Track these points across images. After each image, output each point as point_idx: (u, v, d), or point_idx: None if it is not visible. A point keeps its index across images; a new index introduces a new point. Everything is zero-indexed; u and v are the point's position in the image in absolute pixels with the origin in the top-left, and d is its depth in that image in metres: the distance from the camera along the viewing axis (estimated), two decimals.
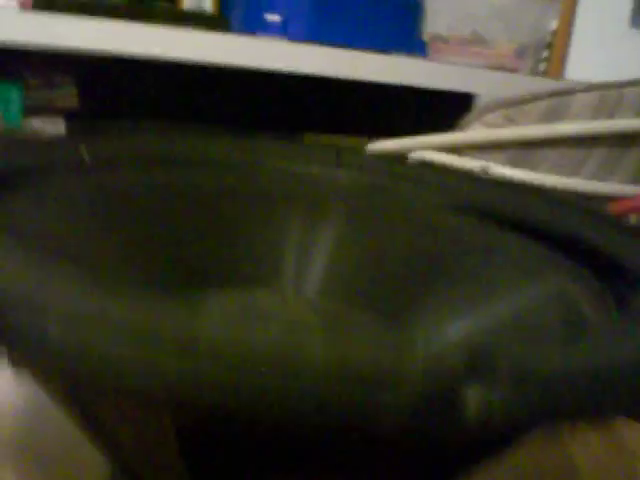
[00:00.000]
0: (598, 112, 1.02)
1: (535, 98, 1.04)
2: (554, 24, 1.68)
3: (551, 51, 2.09)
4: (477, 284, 0.39)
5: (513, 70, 1.43)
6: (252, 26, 1.18)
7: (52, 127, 1.17)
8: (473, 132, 1.05)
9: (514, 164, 1.05)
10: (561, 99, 1.03)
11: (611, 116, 1.03)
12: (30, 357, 0.20)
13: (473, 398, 0.19)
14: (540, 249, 0.39)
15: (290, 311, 0.38)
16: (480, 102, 1.62)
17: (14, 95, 1.12)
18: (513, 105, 1.04)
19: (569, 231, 0.40)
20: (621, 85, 1.00)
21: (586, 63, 2.09)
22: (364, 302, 0.41)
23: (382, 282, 0.42)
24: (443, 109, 1.45)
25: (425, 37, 1.32)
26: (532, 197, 0.44)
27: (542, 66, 1.82)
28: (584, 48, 2.10)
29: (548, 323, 0.34)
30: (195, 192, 0.44)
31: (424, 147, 1.07)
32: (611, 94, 1.01)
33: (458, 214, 0.44)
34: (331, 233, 0.44)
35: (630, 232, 0.40)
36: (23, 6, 1.05)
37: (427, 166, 0.50)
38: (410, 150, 1.07)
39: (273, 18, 1.15)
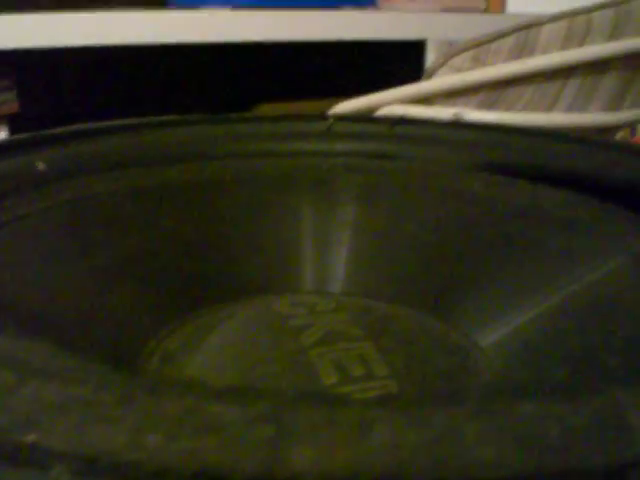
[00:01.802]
0: (568, 41, 0.97)
1: (500, 35, 0.99)
2: None
3: None
4: (532, 259, 0.33)
5: (465, 10, 1.38)
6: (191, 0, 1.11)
7: None
8: (441, 79, 0.99)
9: (488, 107, 1.00)
10: (528, 32, 0.98)
11: (581, 44, 0.98)
12: None
13: None
14: (594, 203, 0.34)
15: (326, 324, 0.32)
16: (432, 47, 1.57)
17: None
18: (479, 45, 0.98)
19: (622, 177, 0.35)
20: (589, 10, 0.95)
21: None
22: (396, 295, 0.35)
23: (412, 268, 0.36)
24: (399, 60, 1.40)
25: None
26: (566, 143, 0.39)
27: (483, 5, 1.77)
28: None
29: (631, 294, 0.29)
30: (182, 192, 0.38)
31: (391, 101, 1.01)
32: (579, 21, 0.96)
33: (484, 174, 0.39)
34: (345, 219, 0.38)
35: None
36: None
37: (427, 122, 0.44)
38: (377, 106, 1.02)
39: None
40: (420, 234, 0.38)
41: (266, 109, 1.35)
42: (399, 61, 1.41)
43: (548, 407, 0.13)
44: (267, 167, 0.41)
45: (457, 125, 0.43)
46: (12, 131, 1.11)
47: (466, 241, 0.37)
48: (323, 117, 0.44)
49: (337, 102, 1.03)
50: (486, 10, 1.98)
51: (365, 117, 0.48)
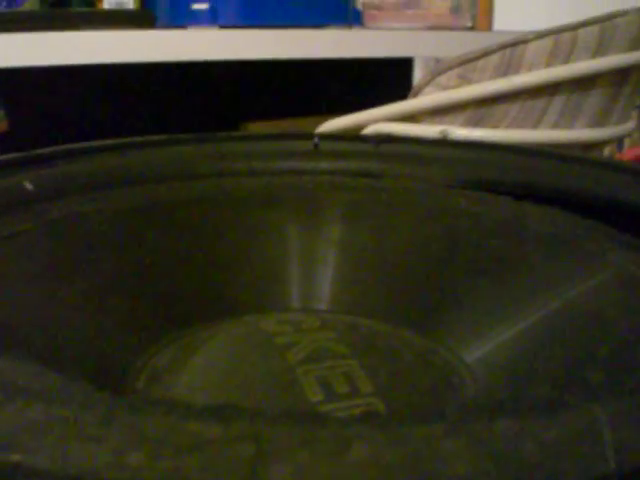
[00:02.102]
0: (553, 58, 0.98)
1: (486, 53, 0.99)
2: None
3: (477, 5, 2.06)
4: (516, 276, 0.34)
5: (451, 28, 1.39)
6: (180, 18, 1.11)
7: None
8: (427, 97, 1.00)
9: (474, 124, 1.01)
10: (513, 50, 0.98)
11: (566, 60, 0.99)
12: None
13: None
14: (576, 220, 0.34)
15: (312, 342, 0.32)
16: (420, 65, 1.58)
17: None
18: (465, 63, 0.99)
19: (606, 194, 0.36)
20: (574, 27, 0.96)
21: (511, 13, 2.07)
22: (382, 312, 0.35)
23: (397, 285, 0.36)
24: (386, 77, 1.41)
25: (359, 6, 1.26)
26: (548, 160, 0.39)
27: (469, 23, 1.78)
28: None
29: (614, 307, 0.29)
30: (169, 211, 0.38)
31: (378, 119, 1.02)
32: (564, 38, 0.97)
33: (468, 191, 0.39)
34: (331, 237, 0.38)
35: None
36: None
37: (412, 140, 0.45)
38: (364, 124, 1.02)
39: (200, 7, 1.09)
40: (405, 251, 0.38)
41: (254, 127, 1.36)
42: (387, 79, 1.42)
43: (524, 423, 0.13)
44: (253, 185, 0.42)
45: (442, 143, 0.44)
46: (1, 149, 1.11)
47: (451, 258, 0.37)
48: (309, 136, 0.45)
49: (325, 120, 1.04)
50: (473, 27, 1.99)
51: (351, 136, 0.48)
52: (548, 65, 0.98)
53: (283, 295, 0.37)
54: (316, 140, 0.45)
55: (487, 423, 0.13)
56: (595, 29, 0.98)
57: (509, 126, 1.01)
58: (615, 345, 0.28)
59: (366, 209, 0.40)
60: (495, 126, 1.01)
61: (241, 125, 1.39)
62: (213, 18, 1.09)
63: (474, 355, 0.32)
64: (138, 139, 0.44)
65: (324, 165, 0.43)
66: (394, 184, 0.41)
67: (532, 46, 0.98)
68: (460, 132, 1.00)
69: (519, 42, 0.97)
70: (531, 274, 0.34)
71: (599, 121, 1.05)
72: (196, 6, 1.10)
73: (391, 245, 0.38)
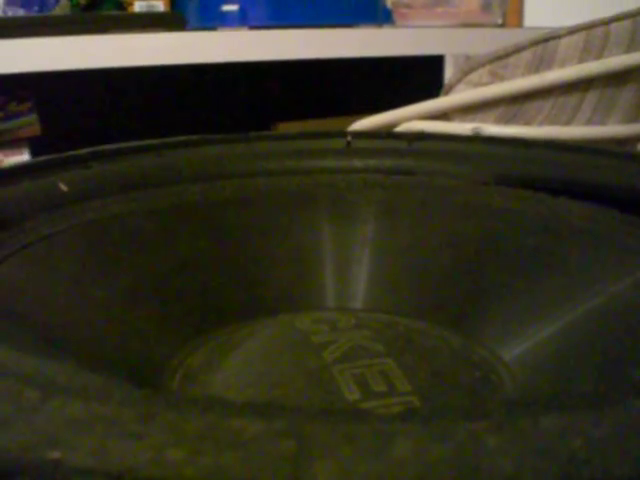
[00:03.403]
0: (586, 54, 0.97)
1: (517, 49, 0.99)
2: None
3: (508, 2, 2.05)
4: (554, 273, 0.33)
5: (482, 25, 1.38)
6: (210, 20, 1.12)
7: (17, 158, 1.11)
8: (459, 94, 1.00)
9: (507, 121, 1.00)
10: (545, 46, 0.97)
11: (599, 56, 0.98)
12: None
13: None
14: (616, 216, 0.34)
15: (348, 340, 0.32)
16: (450, 62, 1.57)
17: None
18: (496, 60, 0.98)
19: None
20: (606, 22, 0.94)
21: (542, 9, 2.05)
22: (418, 311, 0.35)
23: (434, 283, 0.36)
24: (417, 76, 1.40)
25: (389, 5, 1.26)
26: (585, 155, 0.39)
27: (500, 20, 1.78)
28: None
29: None
30: (203, 211, 0.38)
31: (410, 118, 1.02)
32: (596, 33, 0.96)
33: (504, 188, 0.39)
34: (365, 235, 0.38)
35: None
36: None
37: (445, 137, 0.44)
38: (396, 123, 1.02)
39: (230, 8, 1.09)
40: (440, 249, 0.38)
41: (285, 127, 1.36)
42: (418, 77, 1.41)
43: (570, 419, 0.13)
44: (287, 185, 0.42)
45: (476, 139, 0.43)
46: (34, 153, 1.12)
47: (487, 255, 0.37)
48: (341, 134, 0.44)
49: (356, 119, 1.04)
50: (503, 24, 1.98)
51: (383, 133, 0.48)
52: (581, 61, 0.97)
53: (318, 294, 0.37)
54: (349, 138, 0.45)
55: (532, 419, 0.13)
56: (628, 23, 0.97)
57: (542, 123, 1.00)
58: None
59: (400, 207, 0.40)
60: (528, 123, 1.00)
61: (272, 125, 1.39)
62: (243, 19, 1.10)
63: (512, 353, 0.32)
64: (172, 140, 0.45)
65: (357, 163, 0.43)
66: (428, 182, 0.41)
67: (564, 42, 0.97)
68: (492, 129, 0.99)
69: (551, 38, 0.96)
70: (568, 271, 0.34)
71: (633, 116, 1.04)
72: (226, 7, 1.10)
73: (426, 243, 0.38)
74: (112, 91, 1.34)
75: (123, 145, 0.43)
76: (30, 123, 1.13)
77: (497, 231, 0.37)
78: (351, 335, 0.32)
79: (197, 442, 0.13)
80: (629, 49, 0.99)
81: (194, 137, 0.45)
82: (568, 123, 1.01)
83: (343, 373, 0.29)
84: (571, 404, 0.14)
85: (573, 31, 0.98)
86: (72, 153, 0.41)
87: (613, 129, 1.04)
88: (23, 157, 1.11)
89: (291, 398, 0.28)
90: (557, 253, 0.35)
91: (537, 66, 0.98)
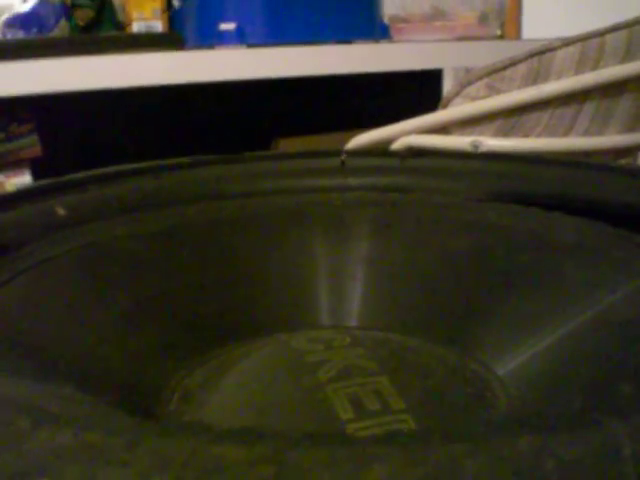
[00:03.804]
0: (582, 65, 0.97)
1: (513, 62, 0.99)
2: None
3: (505, 13, 2.06)
4: (547, 287, 0.34)
5: (480, 38, 1.38)
6: (208, 39, 1.12)
7: (19, 179, 1.11)
8: (457, 108, 1.00)
9: (505, 134, 1.00)
10: (541, 58, 0.98)
11: (595, 67, 0.98)
12: None
13: None
14: (607, 230, 0.34)
15: (343, 359, 0.32)
16: (450, 76, 1.57)
17: None
18: (493, 73, 0.99)
19: (631, 202, 0.35)
20: (601, 33, 0.95)
21: (540, 20, 2.06)
22: (413, 327, 0.35)
23: (428, 300, 0.36)
24: (416, 89, 1.41)
25: (385, 20, 1.27)
26: (577, 170, 0.39)
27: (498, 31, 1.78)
28: (536, 5, 2.08)
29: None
30: (200, 232, 0.38)
31: (408, 132, 1.02)
32: (592, 44, 0.96)
33: (498, 204, 0.39)
34: (360, 253, 0.38)
35: None
36: None
37: (438, 154, 0.45)
38: (395, 137, 1.02)
39: (228, 27, 1.10)
40: (435, 265, 0.38)
41: (286, 143, 1.37)
42: (417, 91, 1.42)
43: (546, 441, 0.13)
44: (283, 204, 0.42)
45: (469, 156, 0.44)
46: (35, 173, 1.13)
47: (481, 271, 0.37)
48: (336, 153, 0.45)
49: (356, 134, 1.04)
50: (502, 36, 1.99)
51: (377, 151, 0.49)
52: (577, 72, 0.97)
53: (314, 312, 0.37)
54: (343, 157, 0.45)
55: (510, 440, 0.13)
56: (623, 34, 0.98)
57: (540, 135, 1.00)
58: None
59: (395, 224, 0.40)
60: (526, 135, 1.01)
61: (273, 142, 1.39)
62: (241, 38, 1.11)
63: (506, 368, 0.32)
64: (169, 161, 0.45)
65: (352, 182, 0.44)
66: (422, 199, 0.42)
67: (560, 54, 0.97)
68: (491, 142, 0.99)
69: (546, 50, 0.97)
70: (561, 285, 0.34)
71: (631, 126, 1.04)
72: (224, 26, 1.11)
73: (420, 260, 0.38)
74: (112, 111, 1.34)
75: (121, 168, 0.43)
76: (31, 144, 1.14)
77: (491, 247, 0.38)
78: (346, 354, 0.33)
79: (180, 469, 0.13)
80: (625, 60, 1.00)
81: (191, 158, 0.46)
82: (566, 134, 1.02)
83: (337, 392, 0.29)
84: (547, 425, 0.14)
85: (568, 43, 0.98)
86: (70, 177, 0.41)
87: (611, 139, 1.04)
88: (25, 178, 1.12)
89: (285, 419, 0.28)
90: (549, 268, 0.35)
91: (534, 78, 0.98)
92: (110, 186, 0.41)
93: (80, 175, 0.41)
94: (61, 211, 0.38)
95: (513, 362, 0.32)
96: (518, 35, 2.14)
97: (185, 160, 0.45)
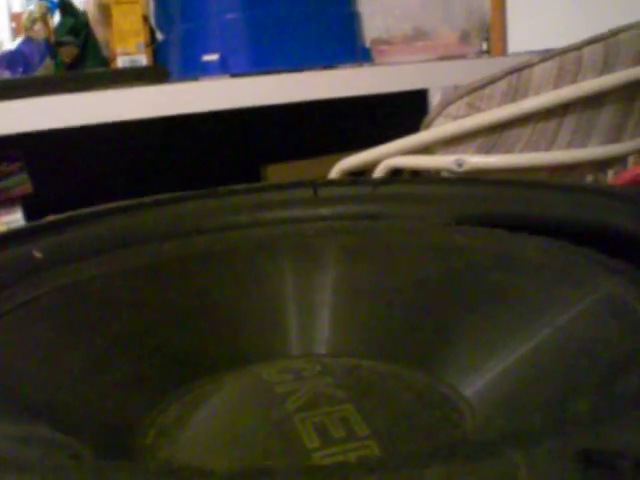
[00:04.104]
0: (560, 79, 0.99)
1: (492, 80, 1.01)
2: (489, 2, 1.65)
3: (489, 29, 2.08)
4: (510, 307, 0.35)
5: (462, 56, 1.40)
6: (192, 71, 1.14)
7: (10, 217, 1.13)
8: (439, 128, 1.01)
9: (488, 151, 1.02)
10: (519, 74, 0.99)
11: (574, 80, 1.00)
12: None
13: None
14: (569, 249, 0.35)
15: (311, 389, 0.33)
16: (435, 96, 1.59)
17: None
18: (472, 91, 1.00)
19: (593, 220, 0.36)
20: (578, 47, 0.96)
21: (526, 34, 2.08)
22: (382, 352, 0.36)
23: (396, 324, 0.37)
24: (403, 110, 1.42)
25: (367, 43, 1.28)
26: (539, 191, 0.40)
27: (484, 45, 1.80)
28: (521, 19, 2.10)
29: (601, 336, 0.30)
30: (174, 268, 0.39)
31: (393, 154, 1.04)
32: (570, 59, 0.98)
33: (464, 227, 0.40)
34: (332, 281, 0.39)
35: None
36: None
37: (408, 180, 0.46)
38: (380, 159, 1.04)
39: (211, 58, 1.11)
40: (403, 290, 0.39)
41: (274, 169, 1.38)
42: (403, 112, 1.43)
43: (452, 470, 0.14)
44: (256, 236, 0.43)
45: (437, 181, 0.45)
46: (27, 210, 1.14)
47: (449, 293, 0.38)
48: (308, 183, 0.46)
49: (343, 157, 1.06)
50: (489, 51, 2.01)
51: (348, 180, 0.50)
52: (556, 87, 0.99)
53: (286, 341, 0.38)
54: (315, 187, 0.46)
55: (419, 470, 0.14)
56: (599, 47, 0.99)
57: (523, 150, 1.02)
58: (602, 374, 0.28)
59: (364, 251, 0.41)
60: (509, 151, 1.02)
61: (262, 168, 1.41)
62: (224, 68, 1.12)
63: (472, 389, 0.33)
64: (145, 200, 0.46)
65: (324, 211, 0.45)
66: (392, 225, 0.43)
67: (538, 69, 0.99)
68: (475, 160, 1.01)
69: (525, 67, 0.98)
70: (524, 305, 0.35)
71: (613, 137, 1.06)
72: (207, 57, 1.12)
73: (390, 285, 0.39)
74: (101, 145, 1.36)
75: (97, 208, 0.44)
76: (22, 182, 1.15)
77: (458, 270, 0.39)
78: (314, 383, 0.34)
79: None
80: (603, 72, 1.01)
81: (166, 196, 0.47)
82: (548, 148, 1.03)
83: (304, 422, 0.30)
84: (455, 453, 0.15)
85: (546, 58, 1.00)
86: (47, 220, 0.42)
87: (594, 151, 1.05)
88: (16, 216, 1.13)
89: (254, 452, 0.29)
90: (514, 288, 0.36)
91: (513, 95, 1.00)
92: (86, 227, 0.42)
93: (57, 218, 0.42)
94: (38, 254, 0.39)
95: (479, 383, 0.33)
96: (504, 49, 2.16)
97: (161, 197, 0.46)
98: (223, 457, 0.30)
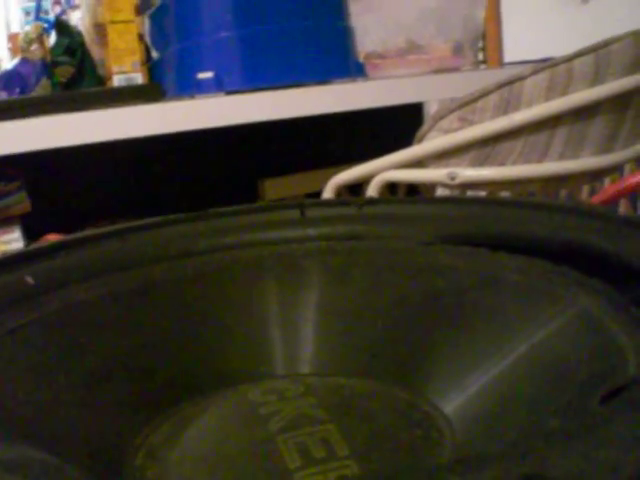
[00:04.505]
0: (551, 92, 1.00)
1: (484, 93, 1.02)
2: (483, 13, 1.67)
3: (485, 40, 2.09)
4: (490, 325, 0.35)
5: (455, 69, 1.41)
6: (187, 89, 1.15)
7: (9, 236, 1.14)
8: (431, 142, 1.02)
9: (480, 163, 1.03)
10: (511, 87, 1.00)
11: (564, 92, 1.01)
12: None
13: None
14: (548, 267, 0.36)
15: (293, 410, 0.34)
16: (430, 109, 1.60)
17: None
18: (464, 105, 1.01)
19: (572, 239, 0.37)
20: (569, 59, 0.97)
21: (521, 43, 2.09)
22: (365, 371, 0.37)
23: (380, 342, 0.38)
24: (397, 124, 1.43)
25: (361, 58, 1.30)
26: (520, 210, 0.41)
27: (480, 55, 1.82)
28: (516, 30, 2.11)
29: (575, 353, 0.31)
30: (163, 290, 0.40)
31: (387, 168, 1.05)
32: (560, 71, 0.99)
33: (448, 246, 0.41)
34: (313, 299, 0.40)
35: (631, 225, 0.37)
36: None
37: (393, 200, 0.47)
38: (374, 173, 1.05)
39: (205, 76, 1.13)
40: (387, 309, 0.40)
41: (270, 183, 1.39)
42: (398, 125, 1.44)
43: None
44: (245, 258, 0.44)
45: (421, 201, 0.46)
46: (26, 229, 1.15)
47: (431, 312, 0.39)
48: (295, 205, 0.47)
49: (339, 171, 1.07)
50: (485, 62, 2.02)
51: (335, 201, 0.51)
52: (547, 99, 1.00)
53: (271, 362, 0.39)
54: (303, 208, 0.47)
55: None
56: (590, 58, 1.00)
57: (515, 162, 1.03)
58: (574, 390, 0.29)
59: (350, 271, 0.42)
60: (502, 163, 1.03)
61: (259, 182, 1.42)
62: (219, 85, 1.13)
63: (452, 405, 0.34)
64: (135, 223, 0.47)
65: (311, 232, 0.46)
66: (376, 245, 0.44)
67: (529, 82, 1.00)
68: (468, 173, 1.02)
69: (516, 80, 0.99)
70: (503, 322, 0.36)
71: (605, 148, 1.07)
72: (201, 75, 1.14)
73: (373, 304, 0.40)
74: (98, 164, 1.37)
75: (87, 233, 0.45)
76: (20, 201, 1.16)
77: (441, 288, 0.40)
78: (297, 403, 0.34)
79: None
80: (594, 83, 1.02)
81: (156, 219, 0.48)
82: (541, 160, 1.04)
83: (286, 442, 0.31)
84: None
85: (537, 71, 1.01)
86: (38, 246, 0.43)
87: (586, 162, 1.06)
88: (15, 234, 1.14)
89: (237, 472, 0.30)
90: (494, 306, 0.37)
91: (505, 108, 1.01)
92: (77, 252, 0.43)
93: (48, 244, 0.43)
94: (30, 280, 0.40)
95: (458, 400, 0.34)
96: (500, 59, 2.18)
97: (150, 221, 0.47)
98: (209, 478, 0.30)
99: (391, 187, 1.09)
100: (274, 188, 1.38)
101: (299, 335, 0.40)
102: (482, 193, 1.06)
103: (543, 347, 0.33)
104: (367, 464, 0.29)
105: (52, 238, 1.08)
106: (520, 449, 0.18)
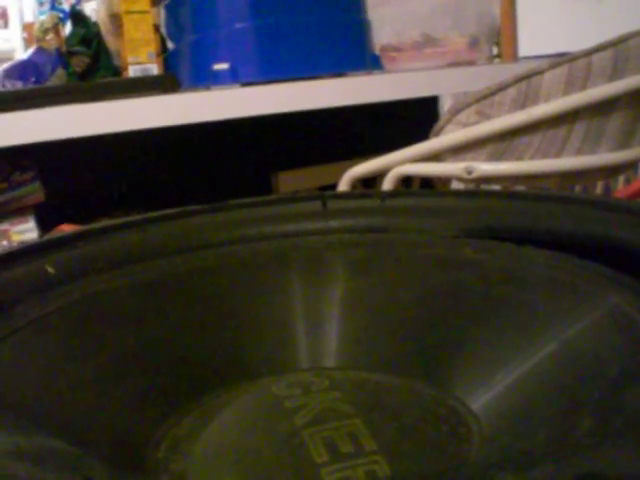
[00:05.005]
0: (570, 86, 0.99)
1: (502, 87, 1.01)
2: (499, 7, 1.65)
3: (500, 34, 2.08)
4: (517, 320, 0.35)
5: (471, 62, 1.40)
6: (202, 80, 1.15)
7: (23, 226, 1.14)
8: (448, 136, 1.02)
9: (498, 158, 1.02)
10: (529, 81, 0.99)
11: (583, 87, 1.00)
12: None
13: None
14: (576, 262, 0.35)
15: (319, 404, 0.34)
16: (445, 102, 1.59)
17: None
18: (482, 99, 1.01)
19: (599, 234, 0.37)
20: (588, 53, 0.96)
21: (536, 38, 2.08)
22: (390, 365, 0.37)
23: (405, 337, 0.38)
24: (413, 117, 1.42)
25: (377, 51, 1.29)
26: (545, 203, 0.40)
27: (495, 50, 1.80)
28: (530, 24, 2.10)
29: (607, 348, 0.30)
30: (184, 282, 0.40)
31: (403, 161, 1.04)
32: (579, 65, 0.98)
33: (473, 240, 0.40)
34: (341, 294, 0.40)
35: None
36: None
37: (416, 193, 0.46)
38: (390, 167, 1.04)
39: (221, 67, 1.12)
40: (412, 303, 0.39)
41: (285, 176, 1.38)
42: (413, 118, 1.44)
43: None
44: (266, 250, 0.44)
45: (444, 194, 0.45)
46: (39, 219, 1.15)
47: (457, 307, 0.38)
48: (317, 196, 0.46)
49: (354, 164, 1.06)
50: (500, 56, 2.01)
51: (357, 193, 0.50)
52: (565, 93, 0.99)
53: (295, 356, 0.39)
54: (324, 200, 0.47)
55: None
56: (609, 53, 0.99)
57: (533, 157, 1.02)
58: (606, 389, 0.29)
59: (373, 264, 0.42)
60: (519, 158, 1.02)
61: (273, 175, 1.41)
62: (234, 77, 1.13)
63: (480, 402, 0.34)
64: (155, 214, 0.47)
65: (332, 224, 0.45)
66: (400, 238, 0.43)
67: (547, 76, 0.99)
68: (485, 167, 1.01)
69: (534, 74, 0.98)
70: (531, 318, 0.35)
71: (623, 143, 1.06)
72: (217, 67, 1.13)
73: (398, 298, 0.40)
74: (113, 155, 1.37)
75: (108, 223, 0.45)
76: (34, 191, 1.16)
77: (466, 283, 0.39)
78: (322, 397, 0.34)
79: None
80: (612, 78, 1.01)
81: (176, 210, 0.47)
82: (558, 155, 1.03)
83: (313, 437, 0.30)
84: (455, 478, 0.15)
85: (555, 65, 1.00)
86: (59, 236, 0.43)
87: (604, 157, 1.05)
88: (29, 224, 1.14)
89: (263, 466, 0.29)
90: (521, 301, 0.37)
91: (523, 102, 1.00)
92: (98, 242, 0.43)
93: (68, 234, 0.43)
94: (51, 270, 0.40)
95: (486, 396, 0.34)
96: (515, 54, 2.16)
97: (170, 212, 0.47)
98: (233, 472, 0.30)
99: (404, 181, 1.09)
100: (288, 181, 1.38)
101: (323, 328, 0.39)
102: (496, 188, 1.06)
103: (573, 344, 0.32)
104: (396, 460, 0.29)
105: (66, 228, 1.08)
106: (568, 448, 0.18)
